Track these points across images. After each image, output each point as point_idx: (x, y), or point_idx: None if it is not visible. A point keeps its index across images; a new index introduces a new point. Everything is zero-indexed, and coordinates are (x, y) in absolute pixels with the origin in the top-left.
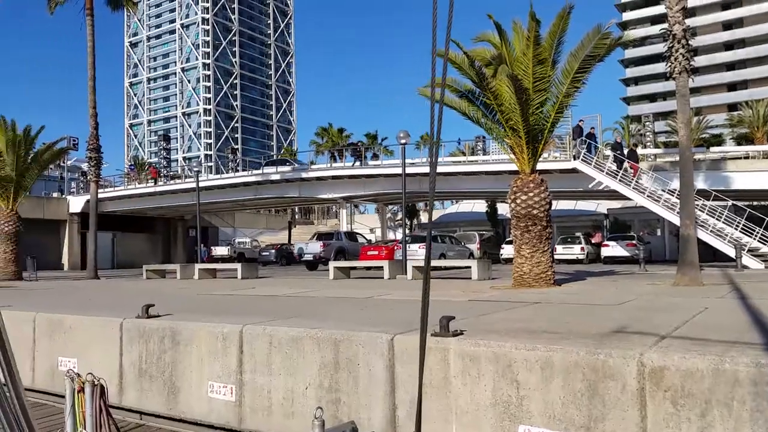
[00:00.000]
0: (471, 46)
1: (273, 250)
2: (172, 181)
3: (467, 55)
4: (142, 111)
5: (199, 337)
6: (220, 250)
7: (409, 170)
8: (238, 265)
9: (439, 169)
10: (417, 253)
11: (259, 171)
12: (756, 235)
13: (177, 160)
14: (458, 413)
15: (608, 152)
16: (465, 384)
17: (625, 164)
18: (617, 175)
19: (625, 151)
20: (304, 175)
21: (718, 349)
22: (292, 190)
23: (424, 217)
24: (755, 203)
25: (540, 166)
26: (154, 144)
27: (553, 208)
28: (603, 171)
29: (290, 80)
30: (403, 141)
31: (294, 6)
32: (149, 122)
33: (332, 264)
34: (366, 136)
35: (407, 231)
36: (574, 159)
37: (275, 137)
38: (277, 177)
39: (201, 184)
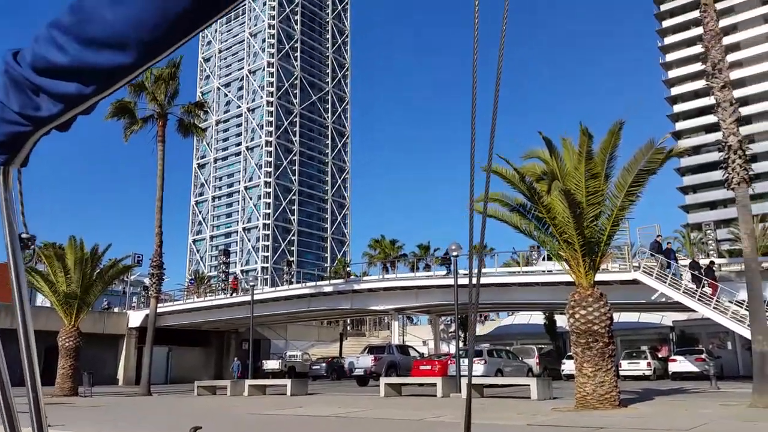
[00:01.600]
0: (521, 163)
1: (324, 364)
2: (227, 295)
3: (517, 171)
4: (205, 227)
5: None
6: (271, 364)
7: (461, 281)
8: (288, 381)
9: (493, 279)
10: (472, 368)
11: (313, 283)
12: None
13: (235, 274)
14: None
15: (687, 272)
16: None
17: (704, 284)
18: (693, 292)
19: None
20: (356, 286)
21: None
22: (345, 301)
23: (478, 329)
24: None
25: (598, 277)
26: (214, 258)
27: (615, 320)
28: (665, 282)
29: (345, 194)
30: (455, 253)
31: (351, 126)
32: (211, 237)
33: (383, 380)
34: (418, 246)
35: (461, 344)
36: (635, 270)
37: (329, 249)
38: (330, 289)
39: (256, 297)
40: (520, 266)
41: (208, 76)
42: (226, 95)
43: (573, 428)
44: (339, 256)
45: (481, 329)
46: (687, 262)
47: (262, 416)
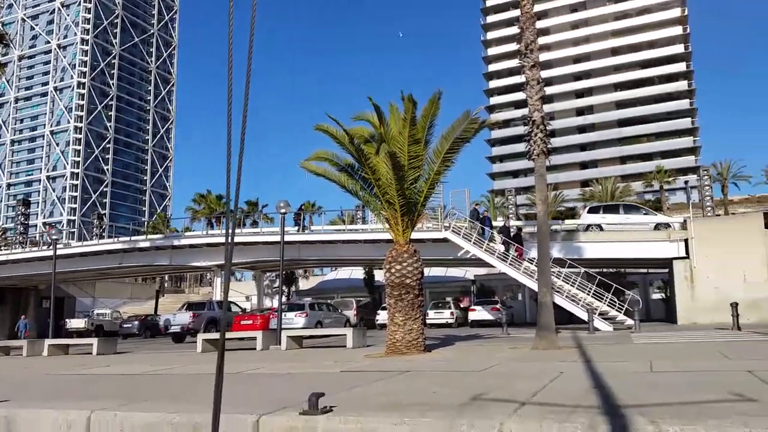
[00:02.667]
0: (351, 125)
1: (136, 322)
2: (27, 249)
3: (347, 132)
4: (1, 174)
5: (40, 427)
6: (76, 323)
7: (287, 238)
8: (94, 340)
9: (319, 236)
10: (293, 321)
11: (128, 238)
12: (605, 300)
13: (36, 226)
14: None
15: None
16: None
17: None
18: (498, 253)
19: (504, 227)
20: (176, 242)
21: (574, 417)
22: (163, 258)
23: (303, 284)
24: (605, 270)
25: (414, 235)
26: (11, 208)
27: (425, 274)
28: (470, 241)
29: (168, 145)
30: (282, 210)
31: (177, 73)
32: (9, 186)
33: (201, 336)
34: (246, 203)
35: (284, 299)
36: (446, 230)
37: (149, 203)
38: (147, 244)
39: (61, 252)
40: (346, 224)
41: (11, 5)
42: (32, 28)
43: (382, 372)
44: (159, 211)
45: (305, 284)
46: (501, 224)
47: (63, 376)
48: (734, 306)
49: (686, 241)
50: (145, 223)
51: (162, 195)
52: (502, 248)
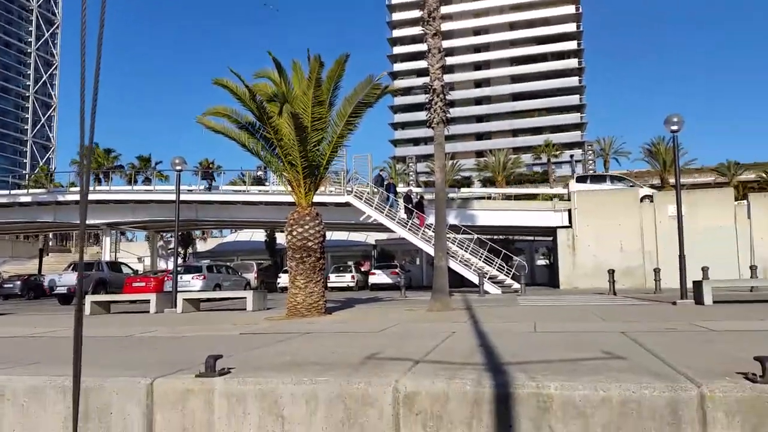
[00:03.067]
0: (253, 81)
1: (18, 282)
2: None
3: (248, 88)
4: None
5: None
6: None
7: (184, 197)
8: None
9: (219, 197)
10: (190, 284)
11: (6, 192)
12: (495, 265)
13: None
14: None
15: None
16: (229, 425)
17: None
18: (398, 218)
19: (403, 193)
20: (61, 198)
21: (463, 373)
22: (46, 214)
23: (201, 246)
24: (495, 237)
25: (316, 198)
26: None
27: (327, 238)
28: (372, 206)
29: (52, 93)
30: (178, 167)
31: (63, 13)
32: None
33: (89, 298)
34: (138, 158)
35: (180, 261)
36: (348, 194)
37: (30, 154)
38: (27, 199)
39: None
40: (247, 185)
41: None
42: None
43: (282, 333)
44: (42, 164)
45: (203, 246)
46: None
47: None
48: (611, 272)
49: (569, 211)
50: (27, 176)
51: (45, 147)
52: (404, 215)
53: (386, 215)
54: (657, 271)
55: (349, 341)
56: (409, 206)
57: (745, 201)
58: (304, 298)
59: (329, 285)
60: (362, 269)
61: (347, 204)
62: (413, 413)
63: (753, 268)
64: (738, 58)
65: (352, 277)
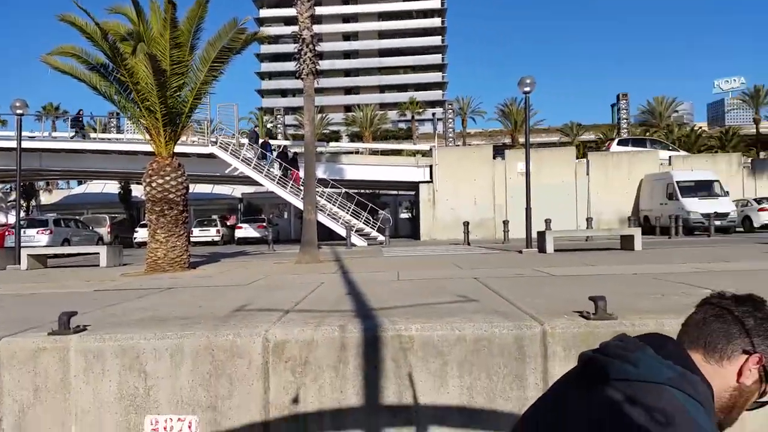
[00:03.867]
0: (105, 17)
1: None
2: None
3: (99, 26)
4: None
5: None
6: None
7: (26, 144)
8: None
9: (66, 145)
10: (35, 239)
11: None
12: (362, 218)
13: None
14: (79, 414)
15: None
16: (87, 383)
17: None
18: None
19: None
20: None
21: (330, 320)
22: None
23: (46, 198)
24: (362, 191)
25: (178, 149)
26: None
27: (190, 191)
28: (239, 158)
29: None
30: (19, 111)
31: None
32: None
33: None
34: None
35: (23, 214)
36: (212, 144)
37: None
38: None
39: None
40: (97, 132)
41: None
42: None
43: (142, 289)
44: None
45: (48, 198)
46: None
47: None
48: (466, 225)
49: (431, 167)
50: None
51: None
52: (278, 172)
53: (254, 168)
54: (506, 222)
55: (216, 295)
56: (284, 163)
57: (585, 159)
58: (165, 253)
59: (193, 240)
60: (228, 223)
61: (212, 155)
62: (282, 361)
63: (589, 220)
64: (585, 29)
65: (218, 231)
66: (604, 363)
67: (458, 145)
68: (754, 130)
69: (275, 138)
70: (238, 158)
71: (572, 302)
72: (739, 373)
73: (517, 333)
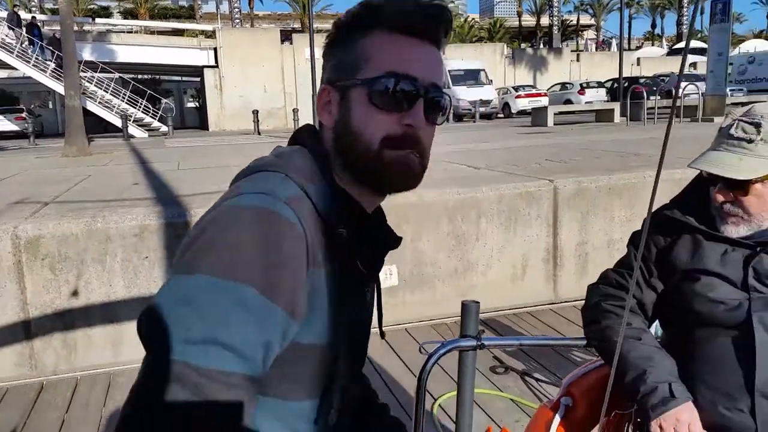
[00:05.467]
0: None
1: None
2: None
3: None
4: None
5: None
6: None
7: None
8: None
9: None
10: None
11: None
12: (140, 107)
13: None
14: None
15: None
16: None
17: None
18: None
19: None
20: None
21: (93, 212)
22: None
23: None
24: (140, 76)
25: None
26: None
27: None
28: None
29: None
30: None
31: None
32: None
33: None
34: None
35: None
36: None
37: None
38: None
39: None
40: None
41: None
42: None
43: None
44: None
45: None
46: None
47: None
48: (255, 113)
49: (215, 50)
50: None
51: None
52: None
53: (1, 46)
54: (295, 111)
55: None
56: (34, 38)
57: None
58: None
59: None
60: None
61: None
62: (39, 258)
63: None
64: None
65: None
66: None
67: (246, 27)
68: (517, 23)
69: (30, 11)
70: None
71: None
72: None
73: None
